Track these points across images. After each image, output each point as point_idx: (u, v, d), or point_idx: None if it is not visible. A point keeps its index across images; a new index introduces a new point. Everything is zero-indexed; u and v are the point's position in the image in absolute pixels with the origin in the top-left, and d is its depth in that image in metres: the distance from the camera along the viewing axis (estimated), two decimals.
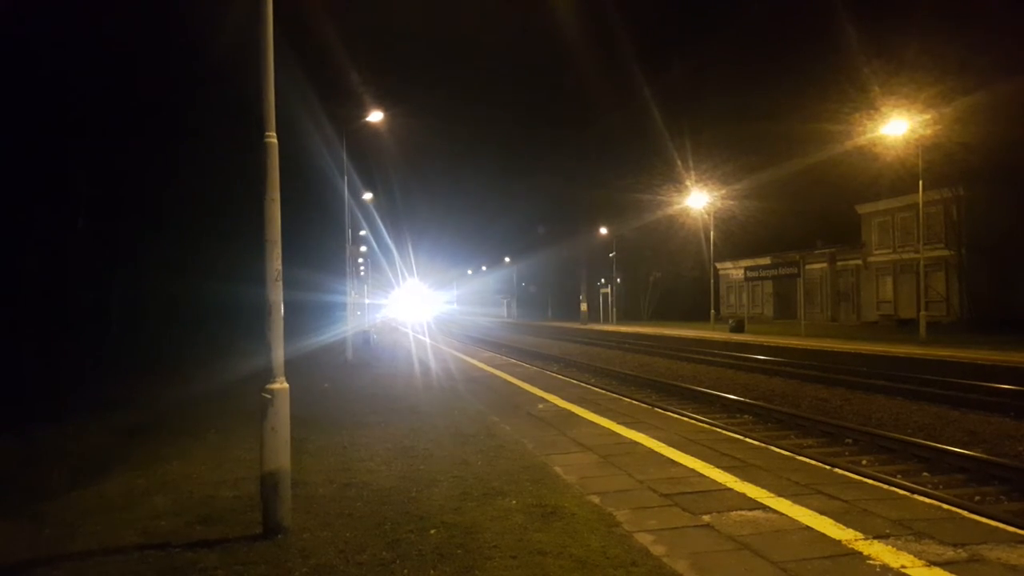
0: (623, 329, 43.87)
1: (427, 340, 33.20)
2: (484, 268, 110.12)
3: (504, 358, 22.53)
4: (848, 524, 4.65)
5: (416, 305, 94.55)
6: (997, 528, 4.51)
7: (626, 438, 7.82)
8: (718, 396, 13.98)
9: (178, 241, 34.26)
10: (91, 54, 25.37)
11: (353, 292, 32.40)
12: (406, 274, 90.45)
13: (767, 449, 7.04)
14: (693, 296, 54.09)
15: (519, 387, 13.10)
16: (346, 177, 24.70)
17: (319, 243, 39.87)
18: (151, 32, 28.31)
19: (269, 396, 5.01)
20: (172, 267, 33.75)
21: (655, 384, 16.63)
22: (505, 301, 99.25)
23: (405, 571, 4.17)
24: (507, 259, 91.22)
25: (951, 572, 3.83)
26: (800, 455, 6.80)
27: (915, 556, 4.07)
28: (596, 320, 61.39)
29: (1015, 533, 4.40)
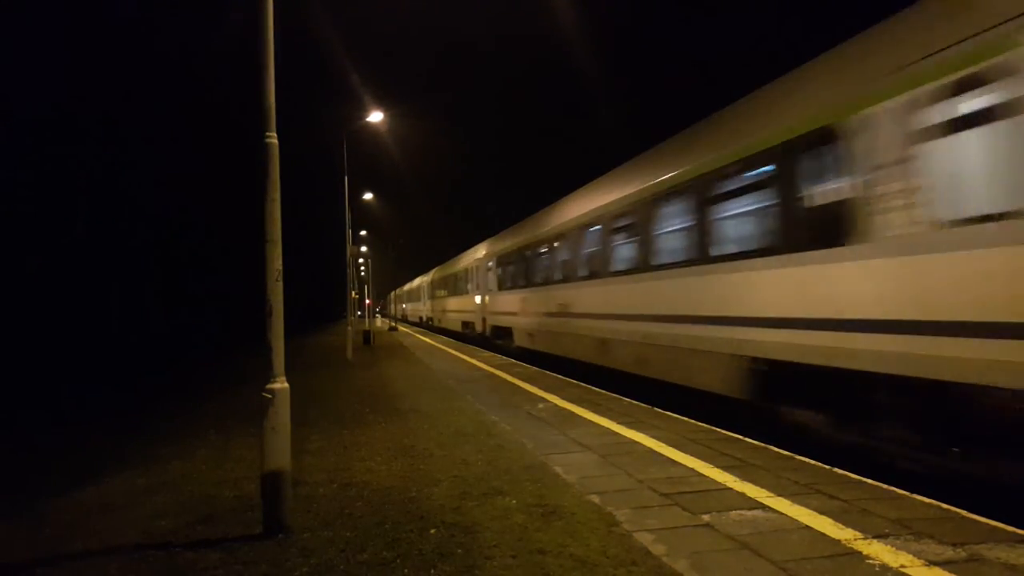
0: None
1: None
2: None
3: None
4: (847, 523, 4.66)
5: None
6: (997, 528, 4.51)
7: (626, 437, 7.82)
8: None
9: (179, 241, 34.23)
10: (93, 57, 25.37)
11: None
12: None
13: (767, 449, 7.04)
14: None
15: (519, 387, 13.10)
16: (346, 178, 24.70)
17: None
18: (151, 33, 28.30)
19: (269, 396, 5.02)
20: (170, 267, 33.76)
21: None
22: None
23: (406, 570, 4.18)
24: None
25: (951, 572, 3.84)
26: (800, 454, 6.79)
27: (914, 555, 4.08)
28: None
29: (1014, 533, 4.40)
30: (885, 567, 3.93)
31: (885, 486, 5.53)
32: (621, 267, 11.76)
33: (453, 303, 33.30)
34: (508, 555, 4.34)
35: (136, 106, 27.88)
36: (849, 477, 5.86)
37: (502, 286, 21.34)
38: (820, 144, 6.86)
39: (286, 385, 5.12)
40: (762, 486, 5.62)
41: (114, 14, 26.04)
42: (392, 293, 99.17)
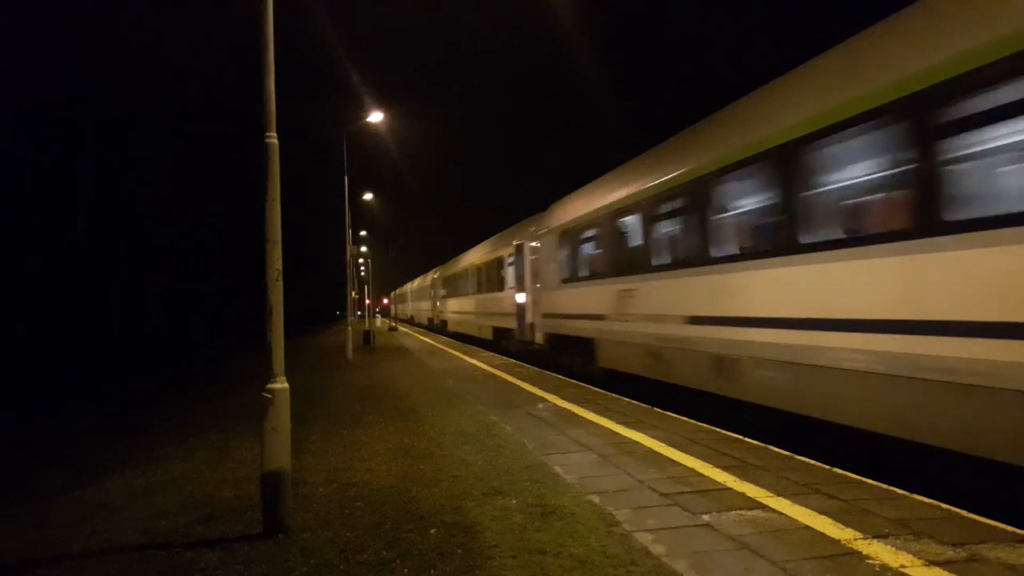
0: None
1: None
2: None
3: None
4: (847, 523, 4.65)
5: None
6: (996, 527, 4.51)
7: (626, 438, 7.82)
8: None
9: (176, 239, 34.16)
10: (92, 58, 25.32)
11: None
12: None
13: (766, 449, 7.04)
14: None
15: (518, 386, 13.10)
16: (346, 177, 24.68)
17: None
18: (151, 33, 28.24)
19: (270, 396, 5.02)
20: (170, 267, 33.69)
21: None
22: None
23: (405, 570, 4.18)
24: None
25: (950, 572, 3.84)
26: (799, 454, 6.79)
27: (914, 555, 4.07)
28: None
29: (1015, 532, 4.40)
30: (885, 567, 3.93)
31: (885, 486, 5.53)
32: (462, 293, 31.31)
33: (423, 305, 54.97)
34: (508, 555, 4.34)
35: (136, 105, 27.88)
36: (849, 477, 5.86)
37: (443, 296, 40.32)
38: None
39: (286, 385, 5.12)
40: (762, 486, 5.62)
41: (114, 13, 26.03)
42: (392, 293, 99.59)
